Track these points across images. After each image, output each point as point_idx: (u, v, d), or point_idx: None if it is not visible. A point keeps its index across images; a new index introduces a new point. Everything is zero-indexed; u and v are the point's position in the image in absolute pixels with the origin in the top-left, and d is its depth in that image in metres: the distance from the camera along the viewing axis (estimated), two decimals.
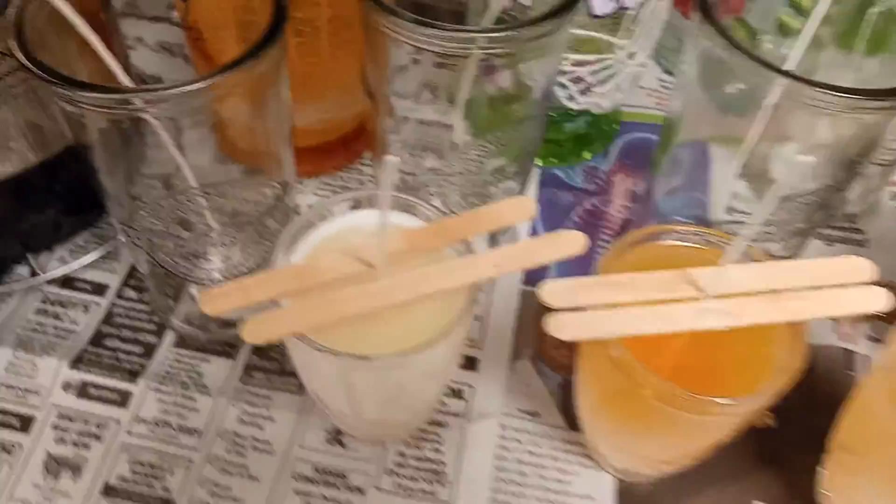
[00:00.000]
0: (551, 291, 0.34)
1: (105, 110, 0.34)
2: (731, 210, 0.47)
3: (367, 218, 0.39)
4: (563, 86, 0.49)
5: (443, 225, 0.37)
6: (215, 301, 0.34)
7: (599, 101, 0.50)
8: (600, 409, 0.39)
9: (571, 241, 0.35)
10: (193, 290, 0.50)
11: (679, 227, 0.38)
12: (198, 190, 0.40)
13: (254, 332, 0.34)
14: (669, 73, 0.64)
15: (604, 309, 0.34)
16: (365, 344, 0.34)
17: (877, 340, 0.49)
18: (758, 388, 0.33)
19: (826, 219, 0.50)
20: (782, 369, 0.33)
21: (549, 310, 0.47)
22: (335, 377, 0.36)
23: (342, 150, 0.57)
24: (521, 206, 0.37)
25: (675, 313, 0.34)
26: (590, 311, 0.34)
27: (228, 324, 0.49)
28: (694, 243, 0.38)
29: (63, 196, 0.51)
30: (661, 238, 0.38)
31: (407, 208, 0.39)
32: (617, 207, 0.55)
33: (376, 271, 0.35)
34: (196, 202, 0.40)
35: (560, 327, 0.33)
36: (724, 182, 0.47)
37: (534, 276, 0.51)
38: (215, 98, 0.35)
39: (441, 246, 0.37)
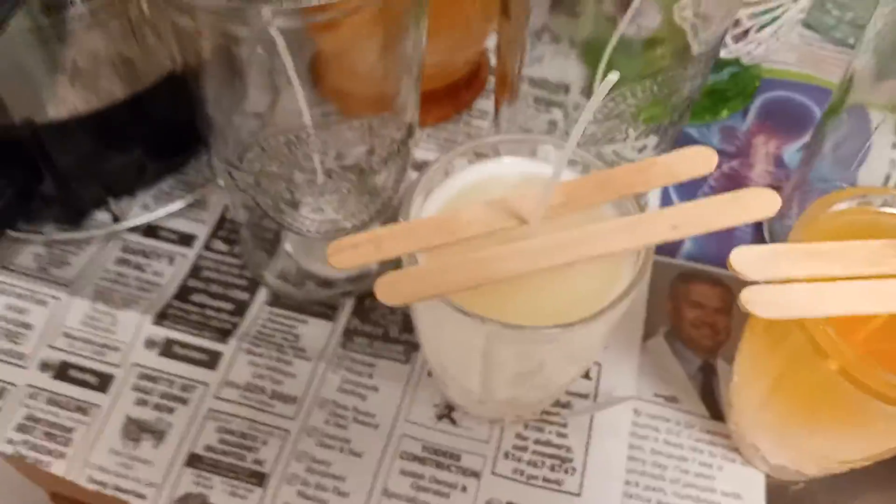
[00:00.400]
0: (744, 260, 0.29)
1: (224, 21, 0.29)
2: (889, 181, 0.42)
3: (511, 167, 0.34)
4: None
5: (607, 176, 0.31)
6: (343, 253, 0.29)
7: (753, 50, 0.44)
8: (770, 397, 0.34)
9: (763, 202, 0.29)
10: (289, 244, 0.45)
11: (891, 191, 0.32)
12: (314, 129, 0.35)
13: (389, 292, 0.29)
14: (809, 26, 0.57)
15: (805, 283, 0.28)
16: (510, 311, 0.29)
17: None
18: None
19: None
20: None
21: (686, 283, 0.41)
22: (475, 348, 0.31)
23: (450, 99, 0.52)
24: (700, 157, 0.31)
25: (892, 291, 0.28)
26: (790, 285, 0.28)
27: (327, 283, 0.44)
28: None
29: (150, 136, 0.46)
30: (862, 203, 0.32)
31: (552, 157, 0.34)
32: (759, 172, 0.49)
33: (530, 228, 0.30)
34: (311, 143, 0.35)
35: (762, 304, 0.28)
36: (886, 152, 0.42)
37: (667, 246, 0.45)
38: (347, 12, 0.30)
39: (602, 201, 0.31)
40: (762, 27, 0.43)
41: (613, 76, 0.23)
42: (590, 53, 0.40)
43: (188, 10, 0.30)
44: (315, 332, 0.43)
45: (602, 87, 0.24)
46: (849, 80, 0.41)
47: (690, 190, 0.48)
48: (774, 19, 0.43)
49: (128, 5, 0.40)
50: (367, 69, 0.35)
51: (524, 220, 0.30)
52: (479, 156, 0.35)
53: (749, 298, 0.27)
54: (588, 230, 0.30)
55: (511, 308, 0.30)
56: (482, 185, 0.34)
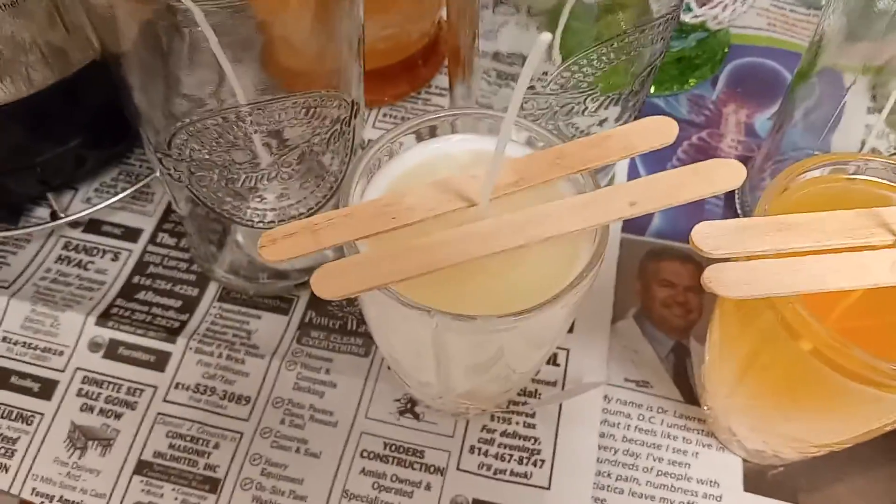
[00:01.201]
0: (707, 235, 0.26)
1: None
2: (866, 148, 0.40)
3: (460, 145, 0.32)
4: None
5: (560, 151, 0.29)
6: (278, 245, 0.27)
7: (720, 14, 0.42)
8: (743, 379, 0.32)
9: (727, 173, 0.27)
10: (239, 235, 0.43)
11: (863, 157, 0.30)
12: (248, 109, 0.32)
13: (326, 284, 0.26)
14: None
15: (774, 258, 0.27)
16: (462, 300, 0.27)
17: None
18: None
19: None
20: None
21: (656, 262, 0.39)
22: (425, 341, 0.29)
23: (406, 75, 0.49)
24: (659, 128, 0.29)
25: (867, 265, 0.26)
26: (757, 262, 0.26)
27: (281, 274, 0.42)
28: (879, 178, 0.30)
29: (86, 125, 0.43)
30: (833, 170, 0.30)
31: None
32: (729, 142, 0.47)
33: (479, 210, 0.28)
34: (244, 124, 0.33)
35: (726, 283, 0.26)
36: (860, 116, 0.40)
37: (636, 223, 0.43)
38: None
39: (556, 177, 0.29)
40: None
41: (545, 37, 0.21)
42: (545, 20, 0.37)
43: None
44: (269, 327, 0.40)
45: (535, 51, 0.21)
46: (818, 43, 0.39)
47: (659, 162, 0.46)
48: None
49: None
50: (299, 43, 0.33)
51: (473, 202, 0.28)
52: (427, 134, 0.32)
53: (712, 277, 0.25)
54: (540, 210, 0.27)
55: (463, 296, 0.28)
56: (430, 165, 0.32)
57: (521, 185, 0.29)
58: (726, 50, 0.50)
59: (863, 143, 0.41)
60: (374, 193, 0.31)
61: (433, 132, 0.32)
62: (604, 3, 0.36)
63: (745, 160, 0.46)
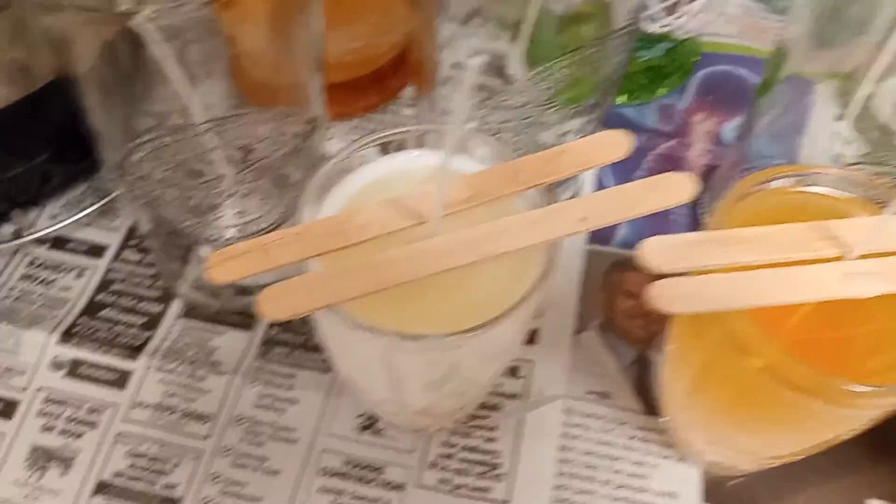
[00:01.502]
0: (653, 251, 0.26)
1: (93, 20, 0.26)
2: (833, 155, 0.40)
3: (416, 161, 0.32)
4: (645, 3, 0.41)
5: (513, 167, 0.29)
6: (227, 264, 0.27)
7: (686, 23, 0.42)
8: (696, 392, 0.32)
9: (679, 186, 0.27)
10: (203, 251, 0.42)
11: (815, 169, 0.30)
12: (207, 126, 0.32)
13: (274, 306, 0.26)
14: None
15: (721, 272, 0.26)
16: (414, 318, 0.27)
17: None
18: None
19: None
20: None
21: (620, 272, 0.39)
22: (376, 360, 0.29)
23: (376, 87, 0.49)
24: (614, 141, 0.29)
25: (816, 278, 0.26)
26: (703, 277, 0.26)
27: (245, 290, 0.41)
28: (834, 189, 0.30)
29: (51, 140, 0.43)
30: (788, 183, 0.30)
31: (463, 148, 0.31)
32: (698, 151, 0.47)
33: (430, 226, 0.28)
34: (204, 142, 0.33)
35: (668, 298, 0.26)
36: (827, 123, 0.40)
37: (601, 233, 0.43)
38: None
39: (510, 193, 0.29)
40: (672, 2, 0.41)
41: (474, 62, 0.21)
42: (509, 34, 0.38)
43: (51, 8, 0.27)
44: (231, 344, 0.40)
45: (470, 70, 0.21)
46: (783, 50, 0.39)
47: (627, 173, 0.45)
48: None
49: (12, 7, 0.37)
50: (257, 57, 0.33)
51: (426, 219, 0.28)
52: (385, 150, 0.32)
53: (655, 293, 0.25)
54: (491, 226, 0.27)
55: (415, 314, 0.28)
56: (388, 181, 0.32)
57: (475, 200, 0.29)
58: (696, 58, 0.50)
59: (831, 153, 0.41)
60: (331, 210, 0.31)
61: (390, 148, 0.32)
62: (566, 15, 0.36)
63: (712, 169, 0.46)
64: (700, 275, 0.26)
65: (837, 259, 0.27)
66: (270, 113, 0.35)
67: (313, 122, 0.36)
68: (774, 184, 0.30)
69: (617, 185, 0.28)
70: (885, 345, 0.28)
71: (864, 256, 0.27)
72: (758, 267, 0.26)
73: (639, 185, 0.28)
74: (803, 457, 0.31)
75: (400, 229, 0.28)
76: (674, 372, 0.33)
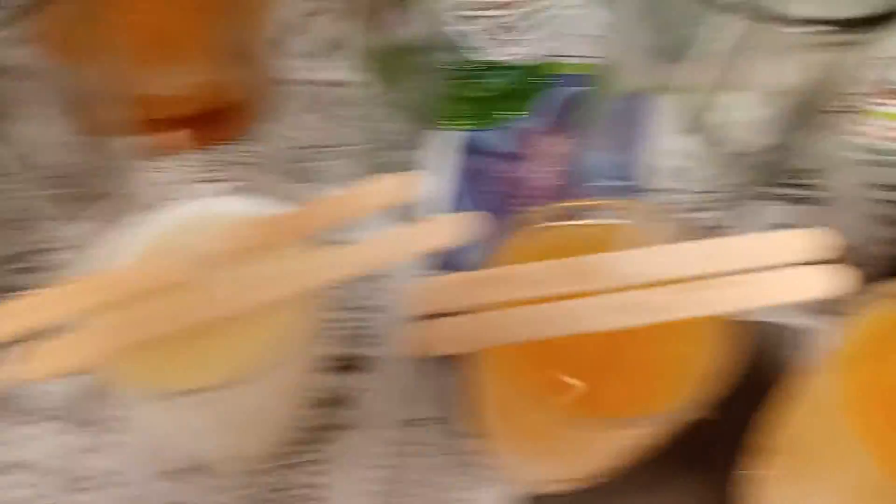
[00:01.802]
0: (420, 295, 0.26)
1: None
2: (669, 172, 0.41)
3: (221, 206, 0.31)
4: (484, 33, 0.41)
5: (290, 217, 0.29)
6: None
7: (529, 51, 0.42)
8: (498, 421, 0.32)
9: (450, 228, 0.27)
10: None
11: (595, 202, 0.30)
12: None
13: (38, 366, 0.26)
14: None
15: (489, 311, 0.26)
16: (181, 372, 0.27)
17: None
18: (676, 397, 0.25)
19: (776, 177, 0.42)
20: (706, 373, 0.26)
21: None
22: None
23: (206, 125, 0.48)
24: (396, 186, 0.28)
25: (572, 312, 0.26)
26: (470, 316, 0.26)
27: None
28: (620, 219, 0.30)
29: None
30: (576, 216, 0.30)
31: (255, 191, 0.31)
32: (549, 175, 0.46)
33: (198, 278, 0.27)
34: None
35: (435, 340, 0.25)
36: (663, 140, 0.41)
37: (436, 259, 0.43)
38: None
39: (280, 244, 0.29)
40: (533, 28, 0.41)
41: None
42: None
43: None
44: None
45: None
46: (609, 66, 0.38)
47: (480, 199, 0.45)
48: (547, 20, 0.41)
49: None
50: None
51: (194, 271, 0.27)
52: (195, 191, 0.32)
53: (417, 335, 0.25)
54: (246, 279, 0.27)
55: (182, 368, 0.27)
56: (177, 230, 0.31)
57: (248, 250, 0.28)
58: (544, 81, 0.50)
59: (668, 169, 0.41)
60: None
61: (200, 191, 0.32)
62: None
63: (556, 191, 0.46)
64: (471, 314, 0.26)
65: (599, 292, 0.26)
66: None
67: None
68: (554, 219, 0.30)
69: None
70: (659, 371, 0.28)
71: (635, 287, 0.27)
72: (522, 303, 0.26)
73: (405, 230, 0.27)
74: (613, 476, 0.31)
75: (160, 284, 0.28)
76: (482, 402, 0.33)
